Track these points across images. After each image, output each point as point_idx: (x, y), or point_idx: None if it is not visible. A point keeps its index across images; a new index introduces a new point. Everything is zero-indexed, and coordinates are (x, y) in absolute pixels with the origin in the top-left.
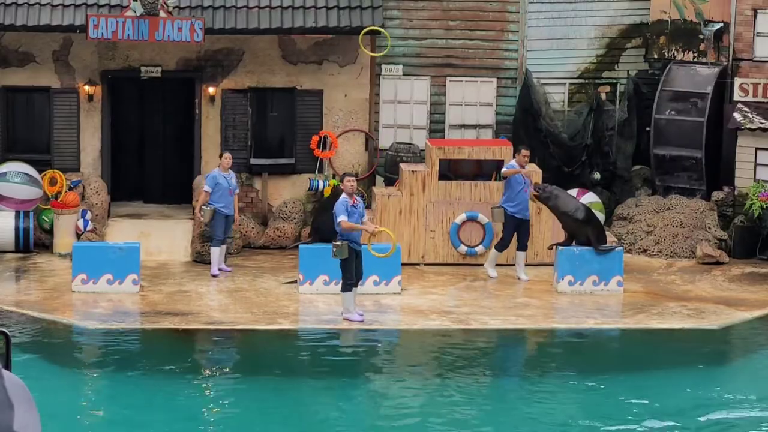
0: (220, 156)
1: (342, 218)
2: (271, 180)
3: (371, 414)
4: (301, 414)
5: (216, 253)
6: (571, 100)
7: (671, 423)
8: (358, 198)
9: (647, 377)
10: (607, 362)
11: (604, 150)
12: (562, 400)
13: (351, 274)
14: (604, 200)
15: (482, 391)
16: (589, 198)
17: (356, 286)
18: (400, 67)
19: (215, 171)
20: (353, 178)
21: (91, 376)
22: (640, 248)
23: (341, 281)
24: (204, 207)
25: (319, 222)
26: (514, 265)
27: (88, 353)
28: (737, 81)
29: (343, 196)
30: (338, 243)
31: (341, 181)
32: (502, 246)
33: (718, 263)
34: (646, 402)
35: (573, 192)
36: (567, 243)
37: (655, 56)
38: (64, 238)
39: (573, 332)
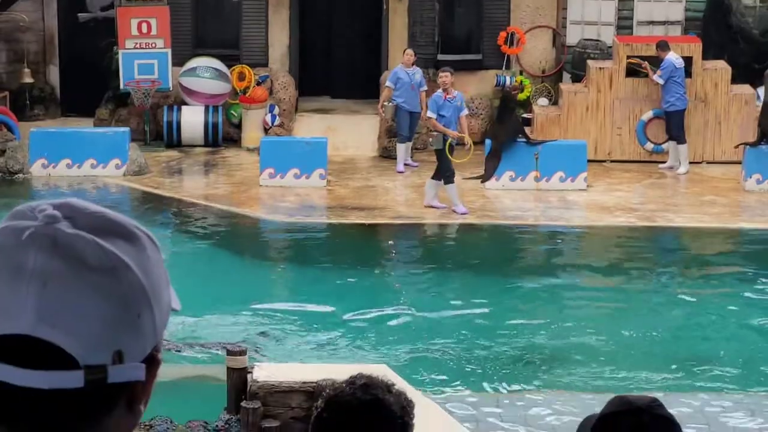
0: (404, 52)
1: (430, 115)
2: (458, 76)
3: (551, 317)
4: (484, 306)
5: (401, 149)
6: None
7: None
8: (457, 93)
9: None
10: None
11: None
12: (743, 299)
13: (447, 167)
14: None
15: (659, 287)
16: None
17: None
18: None
19: (398, 67)
20: (447, 73)
21: (276, 268)
22: None
23: (436, 172)
24: (386, 103)
25: (493, 131)
26: (701, 162)
27: (274, 247)
28: None
29: (438, 91)
30: (434, 133)
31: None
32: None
33: None
34: None
35: (762, 89)
36: (756, 143)
37: None
38: (252, 133)
39: (760, 231)
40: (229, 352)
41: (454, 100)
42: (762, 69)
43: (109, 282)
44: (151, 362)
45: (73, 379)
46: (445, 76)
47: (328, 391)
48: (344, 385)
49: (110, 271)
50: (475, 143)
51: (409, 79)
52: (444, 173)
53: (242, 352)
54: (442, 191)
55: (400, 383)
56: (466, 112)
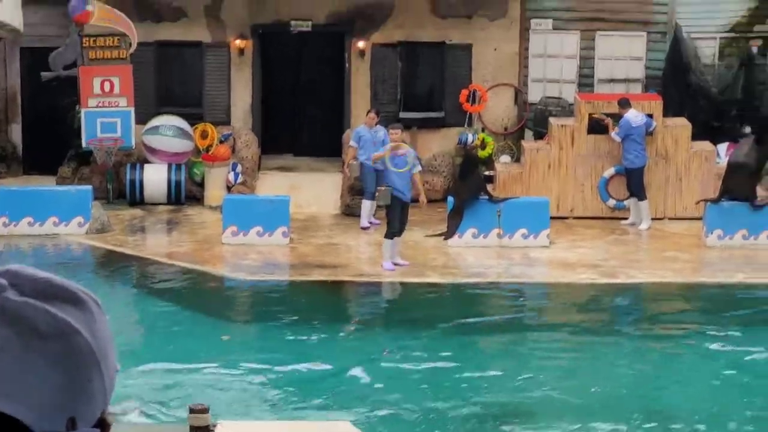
0: (367, 114)
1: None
2: (420, 134)
3: (515, 373)
4: (447, 363)
5: (367, 206)
6: (721, 54)
7: None
8: (408, 150)
9: None
10: (756, 319)
11: (755, 104)
12: (706, 354)
13: (394, 223)
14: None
15: (622, 343)
16: None
17: (398, 235)
18: (550, 21)
19: (360, 126)
20: (397, 131)
21: (239, 327)
22: None
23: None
24: (352, 162)
25: (456, 189)
26: (663, 218)
27: (237, 305)
28: None
29: (389, 146)
30: (381, 188)
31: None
32: (391, 233)
33: None
34: None
35: (723, 147)
36: (717, 200)
37: None
38: (214, 191)
39: (722, 287)
40: (192, 410)
41: (405, 156)
42: (720, 126)
43: (59, 348)
44: (102, 426)
45: None
46: (394, 133)
47: None
48: None
49: (60, 337)
50: (437, 201)
51: (371, 137)
52: (388, 227)
53: (204, 410)
54: (401, 247)
55: None
56: (418, 169)
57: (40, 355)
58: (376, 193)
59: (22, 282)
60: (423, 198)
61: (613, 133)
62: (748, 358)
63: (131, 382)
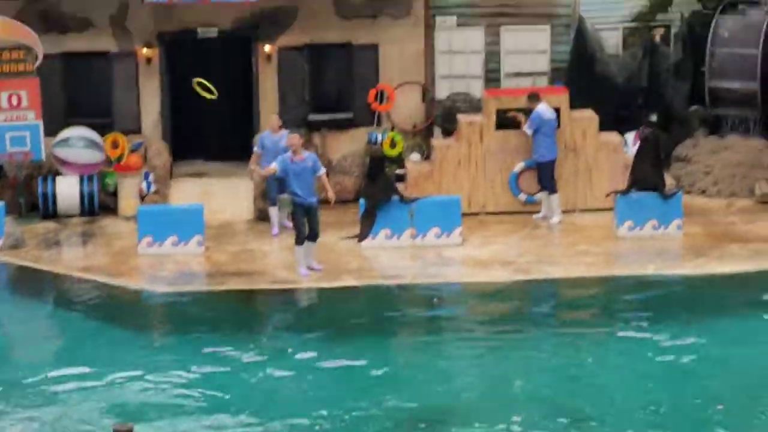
0: (269, 119)
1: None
2: (330, 135)
3: (430, 370)
4: (367, 367)
5: (274, 212)
6: (625, 44)
7: (733, 368)
8: (308, 154)
9: (709, 323)
10: (668, 309)
11: (660, 92)
12: (615, 349)
13: (299, 228)
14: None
15: (539, 341)
16: None
17: (311, 240)
18: (454, 17)
19: (265, 132)
20: (296, 135)
21: (161, 340)
22: (699, 189)
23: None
24: (255, 168)
25: (366, 190)
26: (574, 211)
27: (156, 318)
28: None
29: (287, 153)
30: (283, 196)
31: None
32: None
33: None
34: (703, 347)
35: (630, 135)
36: (626, 191)
37: None
38: (128, 201)
39: (634, 279)
40: (116, 431)
41: (304, 161)
42: (627, 115)
43: None
44: None
45: None
46: (292, 138)
47: None
48: None
49: None
50: (349, 202)
51: (273, 145)
52: (296, 233)
53: (129, 431)
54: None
55: None
56: (323, 171)
57: None
58: (278, 201)
59: None
60: (331, 194)
61: (525, 127)
62: (661, 349)
63: (48, 405)
